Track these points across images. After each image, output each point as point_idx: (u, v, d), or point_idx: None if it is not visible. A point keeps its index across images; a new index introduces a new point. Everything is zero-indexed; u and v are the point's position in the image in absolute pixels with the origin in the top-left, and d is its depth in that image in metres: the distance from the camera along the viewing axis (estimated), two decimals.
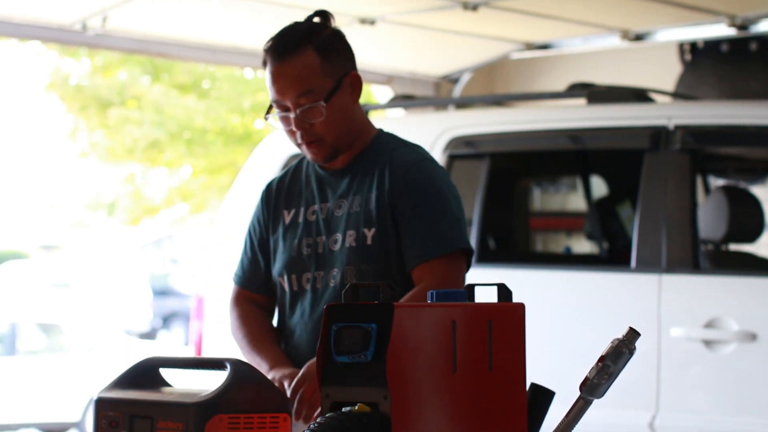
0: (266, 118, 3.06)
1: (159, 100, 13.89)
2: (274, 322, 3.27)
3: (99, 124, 14.14)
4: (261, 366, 3.04)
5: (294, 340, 3.14)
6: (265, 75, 3.03)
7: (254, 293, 3.23)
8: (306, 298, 3.10)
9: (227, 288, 3.34)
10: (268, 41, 3.05)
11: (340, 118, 3.02)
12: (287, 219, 3.15)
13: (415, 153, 3.11)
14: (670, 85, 7.08)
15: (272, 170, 5.15)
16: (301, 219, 3.13)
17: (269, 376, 2.97)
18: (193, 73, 13.91)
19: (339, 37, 3.06)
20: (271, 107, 3.06)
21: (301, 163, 3.20)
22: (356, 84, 3.06)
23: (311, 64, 2.98)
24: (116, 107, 13.96)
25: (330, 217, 3.09)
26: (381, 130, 3.17)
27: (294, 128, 3.00)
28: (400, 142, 3.15)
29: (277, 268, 3.16)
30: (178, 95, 14.02)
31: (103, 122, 14.08)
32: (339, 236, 3.06)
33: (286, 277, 3.13)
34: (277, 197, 3.19)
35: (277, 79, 3.00)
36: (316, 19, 3.09)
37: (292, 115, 3.00)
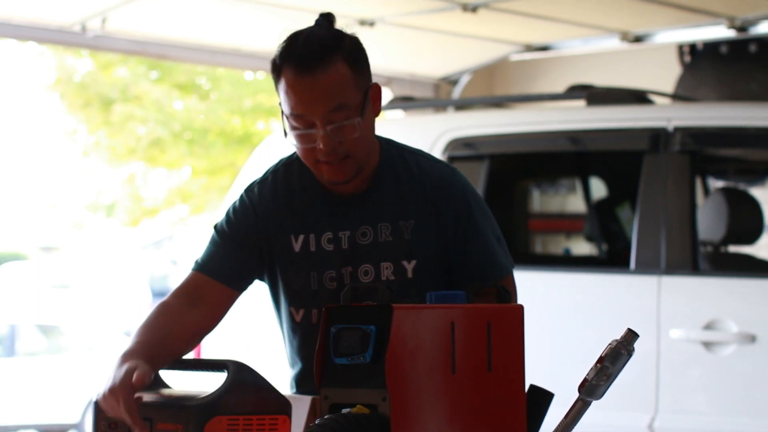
0: (286, 134, 2.73)
1: (161, 99, 13.89)
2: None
3: (102, 121, 14.13)
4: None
5: (306, 371, 2.87)
6: (282, 87, 2.70)
7: (217, 281, 2.81)
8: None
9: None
10: (285, 49, 2.72)
11: (369, 134, 2.76)
12: (296, 246, 2.82)
13: (441, 166, 2.86)
14: (669, 86, 7.09)
15: None
16: (314, 248, 2.81)
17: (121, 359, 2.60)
18: (193, 74, 13.91)
19: (359, 44, 2.79)
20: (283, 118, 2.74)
21: (290, 176, 2.86)
22: (378, 96, 2.80)
23: (343, 75, 2.68)
24: (120, 104, 13.96)
25: (354, 246, 2.78)
26: (381, 141, 2.87)
27: (320, 146, 2.68)
28: (406, 151, 2.88)
29: (288, 300, 2.86)
30: (179, 95, 14.03)
31: (107, 120, 14.08)
32: (370, 267, 2.78)
33: (302, 311, 2.83)
34: (278, 214, 2.84)
35: (304, 93, 2.67)
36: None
37: (319, 132, 2.67)
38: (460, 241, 2.77)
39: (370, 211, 2.79)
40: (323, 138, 2.67)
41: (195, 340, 2.79)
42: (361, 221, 2.79)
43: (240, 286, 2.84)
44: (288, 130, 2.71)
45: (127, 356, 2.58)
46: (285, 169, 2.88)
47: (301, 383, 2.89)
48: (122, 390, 2.48)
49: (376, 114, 2.79)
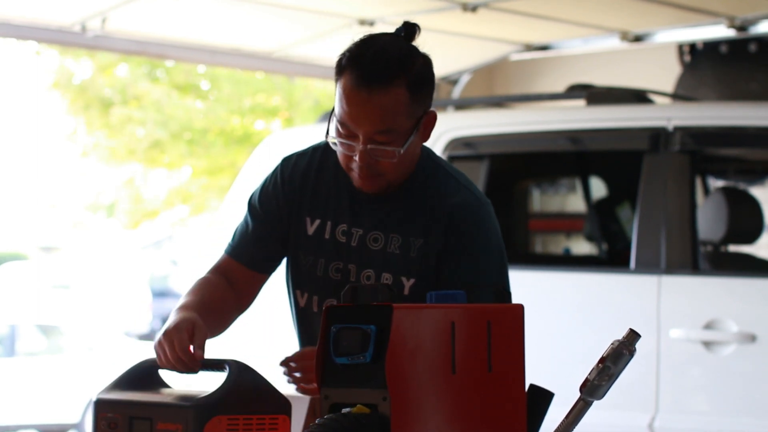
0: (327, 136, 2.72)
1: (160, 100, 13.90)
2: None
3: (102, 123, 14.14)
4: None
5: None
6: (339, 88, 2.67)
7: (246, 267, 2.89)
8: None
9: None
10: (354, 53, 2.68)
11: (408, 160, 2.74)
12: (310, 229, 2.85)
13: (465, 192, 2.80)
14: (669, 86, 7.09)
15: None
16: (328, 236, 2.82)
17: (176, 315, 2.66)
18: (192, 74, 13.91)
19: (429, 69, 2.74)
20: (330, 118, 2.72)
21: (328, 160, 2.85)
22: (431, 124, 2.75)
23: (400, 101, 2.64)
24: (119, 106, 13.97)
25: (362, 246, 2.80)
26: (422, 153, 2.82)
27: (357, 159, 2.68)
28: (442, 169, 2.83)
29: (295, 281, 2.90)
30: (178, 96, 14.03)
31: (106, 121, 14.08)
32: (372, 273, 2.79)
33: (306, 295, 2.87)
34: (302, 192, 2.86)
35: (356, 105, 2.64)
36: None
37: (359, 147, 2.66)
38: (454, 274, 2.73)
39: (387, 219, 2.79)
40: (361, 153, 2.67)
41: (234, 316, 2.89)
42: (375, 225, 2.80)
43: (269, 268, 2.92)
44: (332, 130, 2.71)
45: (183, 308, 2.67)
46: (326, 149, 2.87)
47: None
48: (182, 336, 2.55)
49: (424, 140, 2.77)
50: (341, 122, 2.67)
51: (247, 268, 2.89)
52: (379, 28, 6.31)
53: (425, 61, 2.73)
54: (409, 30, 2.74)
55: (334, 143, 2.71)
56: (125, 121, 13.98)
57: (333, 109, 2.71)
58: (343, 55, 2.69)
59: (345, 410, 2.18)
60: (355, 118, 2.65)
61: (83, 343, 14.09)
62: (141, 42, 6.65)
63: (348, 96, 2.64)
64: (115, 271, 20.86)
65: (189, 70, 13.72)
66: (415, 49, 2.72)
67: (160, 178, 16.06)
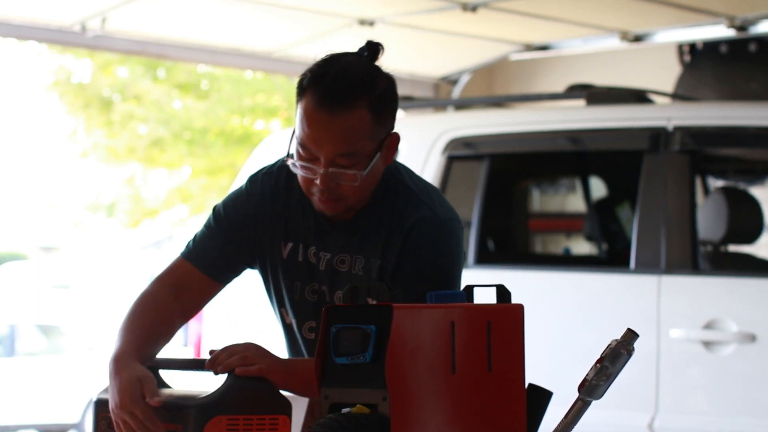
0: (288, 159, 2.66)
1: (160, 99, 13.90)
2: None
3: (102, 122, 14.13)
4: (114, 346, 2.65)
5: None
6: (300, 109, 2.60)
7: (201, 272, 2.78)
8: (310, 345, 2.80)
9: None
10: (315, 73, 2.61)
11: (370, 182, 2.66)
12: (284, 252, 2.78)
13: (424, 209, 2.71)
14: (669, 86, 7.08)
15: None
16: (301, 258, 2.77)
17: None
18: (192, 74, 13.92)
19: (392, 89, 2.68)
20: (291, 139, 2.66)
21: (293, 179, 2.75)
22: (394, 145, 2.70)
23: (361, 124, 2.58)
24: (119, 104, 13.96)
25: (331, 269, 2.74)
26: (384, 172, 2.74)
27: (317, 182, 2.61)
28: (403, 187, 2.75)
29: (277, 301, 2.84)
30: (178, 95, 14.03)
31: (107, 120, 14.08)
32: (342, 295, 2.74)
33: (292, 318, 2.82)
34: (273, 216, 2.79)
35: (316, 128, 2.57)
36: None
37: (320, 170, 2.60)
38: (399, 289, 2.66)
39: (351, 242, 2.73)
40: (322, 177, 2.60)
41: (175, 331, 2.78)
42: (341, 248, 2.74)
43: (225, 279, 2.82)
44: (293, 152, 2.64)
45: (121, 361, 2.58)
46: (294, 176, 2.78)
47: None
48: (137, 405, 2.49)
49: (387, 162, 2.70)
50: (302, 144, 2.60)
51: (203, 275, 2.78)
52: (379, 28, 6.31)
53: (388, 82, 2.66)
54: (373, 49, 2.67)
55: (294, 166, 2.64)
56: (127, 119, 13.98)
57: (294, 130, 2.64)
58: (305, 75, 2.63)
59: (345, 410, 2.18)
60: (316, 140, 2.58)
61: (83, 343, 14.10)
62: (141, 42, 6.65)
63: (309, 117, 2.57)
64: (115, 271, 20.87)
65: (189, 70, 13.72)
66: (378, 69, 2.66)
67: (160, 178, 16.06)
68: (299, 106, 2.61)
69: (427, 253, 2.64)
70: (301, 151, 2.62)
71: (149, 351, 2.65)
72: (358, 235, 2.73)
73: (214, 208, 2.85)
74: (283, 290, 2.81)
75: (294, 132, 2.64)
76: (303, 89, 2.61)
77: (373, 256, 2.71)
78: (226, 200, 2.84)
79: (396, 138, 2.69)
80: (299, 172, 2.65)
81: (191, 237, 2.84)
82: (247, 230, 2.79)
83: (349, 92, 2.57)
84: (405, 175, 2.79)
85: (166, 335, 2.73)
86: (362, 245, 2.72)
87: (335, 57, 2.66)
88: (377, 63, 2.68)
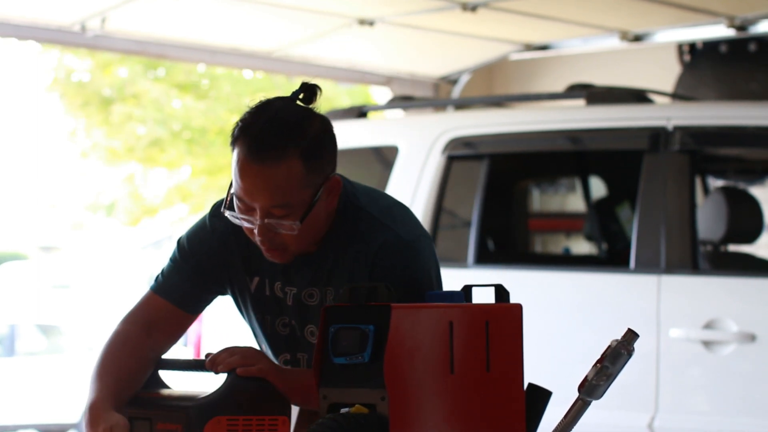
0: (224, 211, 2.61)
1: (159, 98, 13.90)
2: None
3: (101, 121, 14.13)
4: (88, 395, 2.64)
5: None
6: (233, 160, 2.55)
7: (173, 305, 2.75)
8: None
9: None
10: (246, 122, 2.56)
11: (312, 229, 2.60)
12: (252, 287, 2.74)
13: (387, 232, 2.64)
14: (669, 86, 7.08)
15: None
16: (269, 292, 2.73)
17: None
18: (192, 73, 13.91)
19: (326, 134, 2.59)
20: (230, 193, 2.59)
21: None
22: (335, 189, 2.61)
23: (293, 174, 2.51)
24: (118, 104, 13.96)
25: (298, 304, 2.70)
26: (340, 199, 2.67)
27: (256, 232, 2.57)
28: (362, 212, 2.68)
29: (253, 332, 2.82)
30: (178, 94, 14.03)
31: (106, 119, 14.08)
32: (314, 328, 2.69)
33: (268, 350, 2.80)
34: (237, 251, 2.74)
35: (248, 180, 2.52)
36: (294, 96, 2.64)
37: (257, 221, 2.55)
38: None
39: (317, 275, 2.68)
40: (259, 228, 2.55)
41: (151, 368, 2.74)
42: (308, 282, 2.69)
43: (198, 309, 2.80)
44: (231, 202, 2.59)
45: (96, 409, 2.57)
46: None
47: None
48: None
49: (329, 208, 2.63)
50: (237, 196, 2.56)
51: (175, 308, 2.74)
52: (378, 28, 6.31)
53: (323, 126, 2.59)
54: (309, 91, 2.60)
55: (235, 217, 2.59)
56: (126, 119, 13.98)
57: (231, 182, 2.59)
58: (237, 124, 2.57)
59: (343, 410, 2.18)
60: (248, 192, 2.53)
61: (83, 343, 14.10)
62: (141, 42, 6.65)
63: (241, 169, 2.52)
64: (115, 271, 20.87)
65: (188, 69, 13.72)
66: (311, 112, 2.59)
67: (159, 177, 16.06)
68: (233, 155, 2.56)
69: (399, 277, 2.56)
70: (237, 202, 2.57)
71: (124, 395, 2.63)
72: (325, 268, 2.67)
73: (179, 242, 2.81)
74: (255, 323, 2.78)
75: (231, 183, 2.60)
76: (235, 139, 2.56)
77: (346, 284, 2.61)
78: (189, 233, 2.80)
79: (336, 182, 2.61)
80: (238, 223, 2.60)
81: (159, 271, 2.80)
82: (212, 263, 2.75)
83: (277, 143, 2.51)
84: (362, 199, 2.70)
85: (141, 376, 2.70)
86: (330, 277, 2.67)
87: (266, 104, 2.61)
88: (312, 105, 2.61)
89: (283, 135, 2.52)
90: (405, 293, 2.53)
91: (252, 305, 2.75)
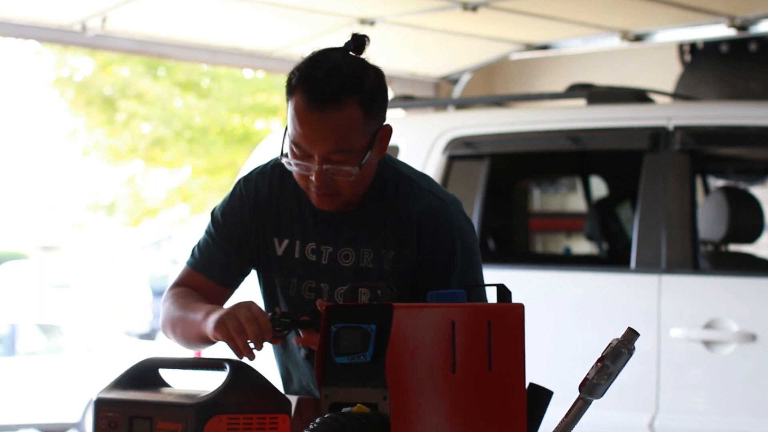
0: (282, 158, 2.67)
1: (161, 97, 13.90)
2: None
3: (105, 120, 14.13)
4: (196, 318, 2.69)
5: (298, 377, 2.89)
6: (291, 108, 2.61)
7: (211, 280, 2.82)
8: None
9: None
10: (304, 72, 2.61)
11: (365, 176, 2.68)
12: (279, 250, 2.79)
13: (429, 196, 2.74)
14: (669, 85, 7.08)
15: None
16: (298, 255, 2.77)
17: (208, 321, 2.65)
18: (193, 72, 13.92)
19: (381, 82, 2.67)
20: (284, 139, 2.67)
21: (288, 177, 2.77)
22: (387, 138, 2.69)
23: (353, 120, 2.58)
24: (121, 103, 13.96)
25: (333, 264, 2.74)
26: (380, 164, 2.76)
27: (313, 178, 2.63)
28: (403, 177, 2.77)
29: (271, 301, 2.84)
30: (179, 93, 14.03)
31: (110, 118, 14.08)
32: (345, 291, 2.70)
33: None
34: (267, 214, 2.80)
35: (308, 127, 2.58)
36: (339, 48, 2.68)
37: (315, 167, 2.61)
38: (433, 279, 2.69)
39: (355, 234, 2.74)
40: (317, 174, 2.62)
41: None
42: (345, 241, 2.74)
43: (235, 283, 2.86)
44: (287, 150, 2.65)
45: (216, 310, 2.63)
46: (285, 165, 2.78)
47: (285, 384, 2.92)
48: (262, 316, 2.56)
49: (381, 154, 2.71)
50: (295, 143, 2.62)
51: (212, 282, 2.82)
52: (379, 28, 6.31)
53: (377, 75, 2.66)
54: (359, 42, 2.66)
55: (289, 164, 2.65)
56: (130, 117, 13.99)
57: (286, 128, 2.65)
58: (293, 73, 2.63)
59: (345, 410, 2.18)
60: (308, 139, 2.59)
61: (83, 343, 14.10)
62: (141, 41, 6.65)
63: (300, 117, 2.59)
64: (115, 271, 20.88)
65: (189, 69, 13.72)
66: (366, 62, 2.66)
67: (160, 177, 16.07)
68: (290, 104, 2.62)
69: (450, 235, 2.70)
70: (294, 149, 2.63)
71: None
72: (365, 228, 2.74)
73: (212, 214, 2.86)
74: (275, 288, 2.81)
75: (286, 130, 2.65)
76: (292, 88, 2.62)
77: (384, 247, 2.72)
78: (223, 205, 2.86)
79: (388, 130, 2.70)
80: (294, 170, 2.66)
81: (195, 245, 2.86)
82: (245, 232, 2.81)
83: (339, 90, 2.58)
84: (399, 163, 2.82)
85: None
86: (370, 238, 2.73)
87: (322, 54, 2.66)
88: (363, 56, 2.68)
89: (343, 84, 2.59)
90: (457, 253, 2.67)
91: (276, 269, 2.79)
